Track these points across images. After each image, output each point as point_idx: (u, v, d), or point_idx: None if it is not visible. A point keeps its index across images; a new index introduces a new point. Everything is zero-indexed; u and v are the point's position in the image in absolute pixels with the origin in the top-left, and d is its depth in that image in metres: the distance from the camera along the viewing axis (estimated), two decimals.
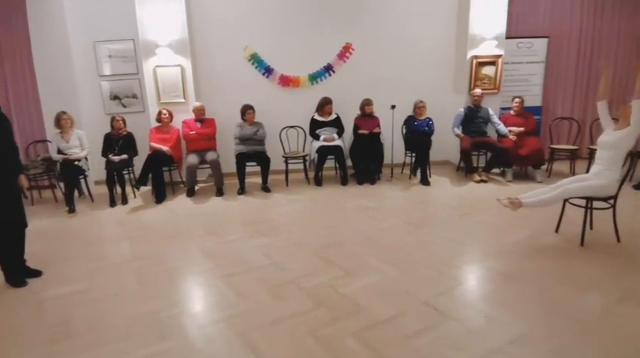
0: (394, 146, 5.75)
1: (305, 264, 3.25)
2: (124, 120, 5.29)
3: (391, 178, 5.81)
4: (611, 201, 3.44)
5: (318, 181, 5.64)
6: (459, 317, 2.47)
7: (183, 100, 5.68)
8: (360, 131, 5.60)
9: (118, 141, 5.24)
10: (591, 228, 3.71)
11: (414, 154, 5.82)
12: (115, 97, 5.94)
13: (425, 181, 5.57)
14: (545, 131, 6.41)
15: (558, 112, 6.61)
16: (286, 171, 5.73)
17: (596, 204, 3.47)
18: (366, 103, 5.71)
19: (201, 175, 5.90)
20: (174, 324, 2.49)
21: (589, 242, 3.49)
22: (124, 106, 5.95)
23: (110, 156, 5.12)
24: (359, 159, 5.69)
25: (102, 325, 2.53)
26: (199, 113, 5.49)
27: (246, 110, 5.46)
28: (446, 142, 6.26)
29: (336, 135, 5.70)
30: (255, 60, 5.99)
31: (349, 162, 5.81)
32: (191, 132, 5.41)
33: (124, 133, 5.30)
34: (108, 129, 5.31)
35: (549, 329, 2.34)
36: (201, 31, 5.82)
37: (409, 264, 3.21)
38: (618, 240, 3.51)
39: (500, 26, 5.93)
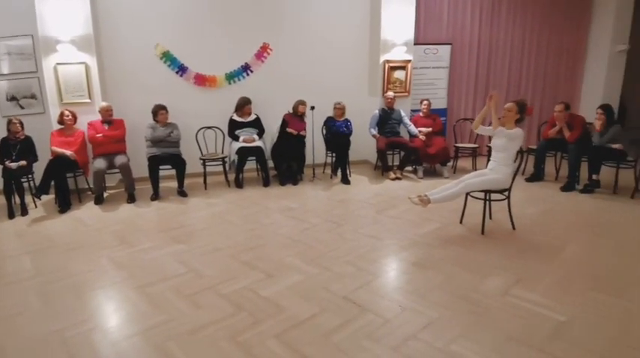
0: (315, 146, 5.84)
1: (224, 269, 3.18)
2: (21, 123, 4.76)
3: (313, 178, 5.90)
4: (506, 193, 3.84)
5: (239, 183, 5.54)
6: (376, 309, 2.59)
7: (88, 100, 5.24)
8: (289, 129, 5.62)
9: (15, 146, 4.71)
10: (490, 218, 4.10)
11: (334, 154, 5.97)
12: (12, 98, 5.28)
13: (345, 180, 5.75)
14: (450, 131, 6.94)
15: (461, 113, 7.20)
16: (204, 174, 5.54)
17: (493, 196, 3.85)
18: (300, 103, 5.73)
19: (111, 181, 5.50)
20: (84, 343, 2.29)
21: (489, 230, 3.87)
22: (22, 108, 5.31)
23: (7, 162, 4.58)
24: (281, 159, 5.70)
25: (3, 348, 2.26)
26: (106, 114, 5.11)
27: (159, 110, 5.19)
28: (364, 143, 6.52)
29: (256, 136, 5.64)
30: (168, 58, 5.72)
31: (271, 164, 5.79)
32: (98, 135, 5.01)
33: (22, 137, 4.77)
34: (4, 133, 4.75)
35: (456, 313, 2.54)
36: (108, 26, 5.41)
37: (330, 261, 3.29)
38: (513, 227, 3.93)
39: (409, 33, 6.31)
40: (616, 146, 4.98)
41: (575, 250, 3.47)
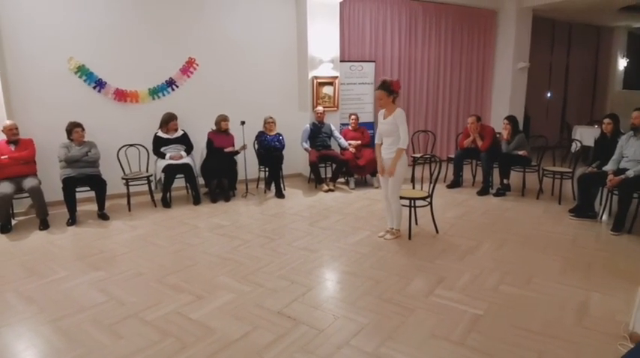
0: (247, 161, 5.77)
1: (149, 294, 3.01)
2: None
3: (246, 194, 5.81)
4: (428, 200, 4.08)
5: (166, 203, 5.29)
6: (310, 321, 2.60)
7: None
8: (227, 149, 5.53)
9: None
10: (416, 223, 4.32)
11: (267, 169, 5.95)
12: None
13: (279, 194, 5.74)
14: None
15: None
16: (127, 195, 5.23)
17: (417, 202, 4.07)
18: (222, 119, 5.62)
19: (20, 206, 4.99)
20: None
21: (415, 235, 4.07)
22: None
23: None
24: (211, 176, 5.56)
25: None
26: (10, 133, 4.65)
27: (73, 128, 4.83)
28: (298, 156, 6.58)
29: (183, 153, 5.46)
30: (84, 72, 5.37)
31: (202, 181, 5.63)
32: (2, 157, 4.55)
33: None
34: None
35: (384, 317, 2.63)
36: (14, 38, 4.96)
37: (262, 277, 3.25)
38: (437, 230, 4.17)
39: (335, 50, 6.52)
40: (521, 152, 5.50)
41: (488, 248, 3.76)
